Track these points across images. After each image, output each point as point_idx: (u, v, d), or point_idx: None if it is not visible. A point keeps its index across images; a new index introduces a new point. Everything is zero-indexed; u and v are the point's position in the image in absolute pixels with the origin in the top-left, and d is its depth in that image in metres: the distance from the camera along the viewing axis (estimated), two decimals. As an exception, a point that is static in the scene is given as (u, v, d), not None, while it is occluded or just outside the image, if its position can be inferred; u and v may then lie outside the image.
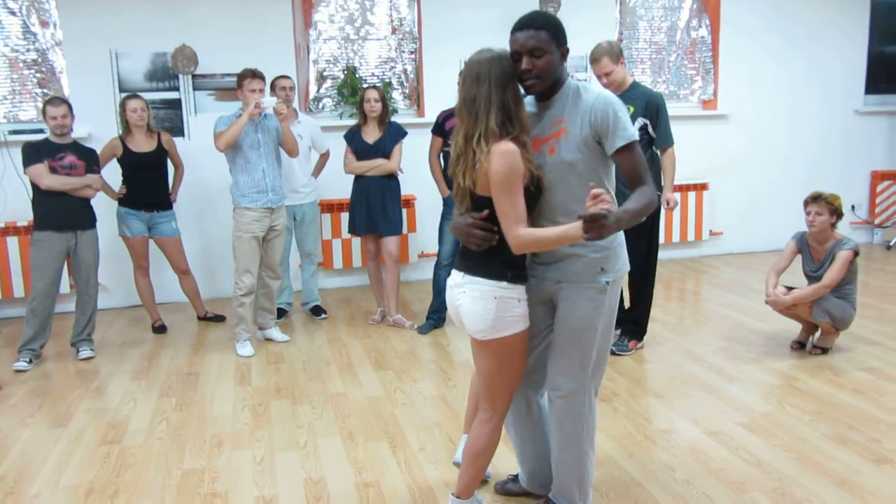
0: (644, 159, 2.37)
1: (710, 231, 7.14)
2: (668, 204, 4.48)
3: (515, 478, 2.94)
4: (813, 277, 4.38)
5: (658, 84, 7.03)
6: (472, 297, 2.39)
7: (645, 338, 4.67)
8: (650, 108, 4.29)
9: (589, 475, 2.62)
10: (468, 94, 2.30)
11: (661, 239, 6.92)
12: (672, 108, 6.95)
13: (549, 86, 2.37)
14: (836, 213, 4.26)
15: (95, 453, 3.42)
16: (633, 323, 4.59)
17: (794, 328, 4.64)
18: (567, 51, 2.38)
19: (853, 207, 7.50)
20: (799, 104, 7.22)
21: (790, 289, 4.36)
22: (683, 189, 6.91)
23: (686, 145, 6.95)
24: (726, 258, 7.09)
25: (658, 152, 4.41)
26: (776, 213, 7.21)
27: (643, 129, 4.32)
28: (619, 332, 4.60)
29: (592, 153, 2.36)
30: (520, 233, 2.27)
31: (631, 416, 3.62)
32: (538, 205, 2.39)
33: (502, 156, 2.24)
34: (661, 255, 7.00)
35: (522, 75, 2.32)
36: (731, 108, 7.07)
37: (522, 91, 2.36)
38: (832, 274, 4.20)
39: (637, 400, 3.82)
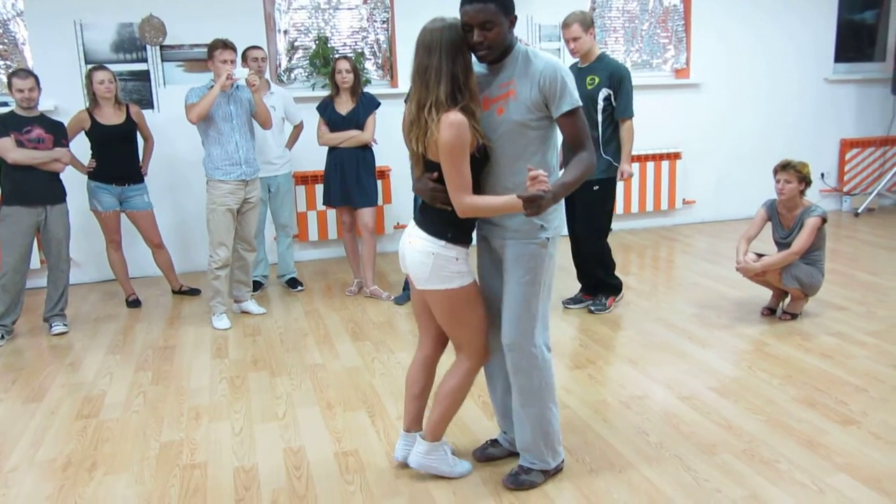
0: (587, 127, 2.53)
1: (683, 200, 7.21)
2: (622, 175, 4.53)
3: (495, 441, 2.99)
4: (782, 244, 4.45)
5: (631, 53, 7.04)
6: (414, 248, 2.57)
7: (621, 295, 4.84)
8: (614, 79, 4.41)
9: (554, 431, 2.73)
10: (420, 64, 2.40)
11: (635, 208, 6.99)
12: (645, 78, 7.02)
13: (500, 53, 2.47)
14: (805, 180, 4.33)
15: (72, 427, 3.41)
16: (603, 285, 4.73)
17: (765, 295, 4.73)
18: (515, 18, 2.47)
19: (822, 175, 7.61)
20: (771, 73, 7.28)
21: (760, 256, 4.44)
22: (657, 158, 6.97)
23: (659, 114, 7.01)
24: (699, 226, 7.17)
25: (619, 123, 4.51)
26: (748, 181, 7.31)
27: (607, 99, 4.44)
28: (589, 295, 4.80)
29: (539, 116, 2.48)
30: (464, 200, 2.42)
31: (605, 383, 3.68)
32: (488, 164, 2.51)
33: (450, 126, 2.34)
34: (635, 223, 7.10)
35: (474, 47, 2.42)
36: (703, 76, 7.11)
37: (474, 58, 2.48)
38: (801, 241, 4.27)
39: (611, 366, 3.88)
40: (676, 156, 7.05)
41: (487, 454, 2.97)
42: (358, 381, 3.80)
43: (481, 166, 2.50)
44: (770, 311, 4.58)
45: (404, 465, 2.91)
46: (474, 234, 2.65)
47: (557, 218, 2.62)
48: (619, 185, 6.76)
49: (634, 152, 6.80)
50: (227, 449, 3.15)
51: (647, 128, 6.87)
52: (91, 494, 2.84)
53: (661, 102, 7.00)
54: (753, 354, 3.98)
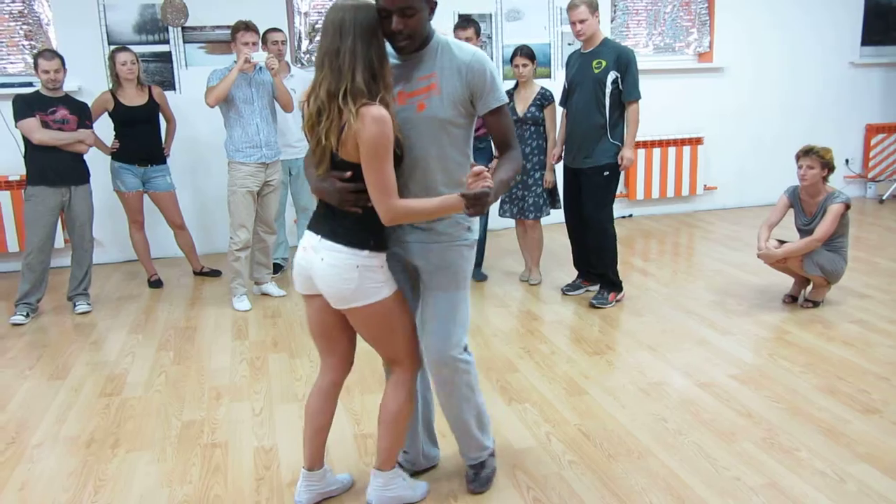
0: (512, 123, 2.40)
1: (705, 185, 7.15)
2: (621, 161, 4.45)
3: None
4: (804, 231, 4.41)
5: (653, 36, 6.96)
6: (330, 265, 2.24)
7: (626, 289, 4.77)
8: (621, 61, 4.37)
9: (484, 415, 2.64)
10: (331, 46, 2.12)
11: (656, 193, 6.95)
12: (667, 62, 6.95)
13: (419, 43, 2.25)
14: (828, 166, 4.27)
15: (95, 405, 3.46)
16: (601, 277, 4.66)
17: (786, 282, 4.69)
18: (435, 4, 2.24)
19: (847, 161, 7.51)
20: (795, 56, 7.17)
21: (782, 242, 4.40)
22: (678, 143, 6.91)
23: (681, 99, 6.94)
24: (720, 213, 7.11)
25: (625, 107, 4.45)
26: (770, 167, 7.22)
27: (615, 82, 4.39)
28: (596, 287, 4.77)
29: (464, 112, 2.30)
30: (393, 204, 2.18)
31: (624, 369, 3.67)
32: (402, 165, 2.28)
33: (375, 122, 2.09)
34: (656, 209, 7.06)
35: (392, 36, 2.18)
36: (726, 60, 7.02)
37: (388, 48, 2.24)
38: (823, 227, 4.22)
39: (630, 353, 3.87)
40: (698, 141, 6.98)
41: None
42: (375, 364, 3.82)
43: (399, 163, 2.25)
44: (792, 299, 4.55)
45: None
46: None
47: (478, 219, 2.43)
48: (640, 170, 6.80)
49: (656, 137, 6.78)
50: (247, 429, 3.19)
51: (668, 113, 6.82)
52: (114, 471, 2.88)
53: (684, 87, 6.92)
54: (774, 342, 3.95)
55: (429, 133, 2.28)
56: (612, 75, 4.37)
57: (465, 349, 2.48)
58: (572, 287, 4.86)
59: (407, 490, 2.59)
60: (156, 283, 5.31)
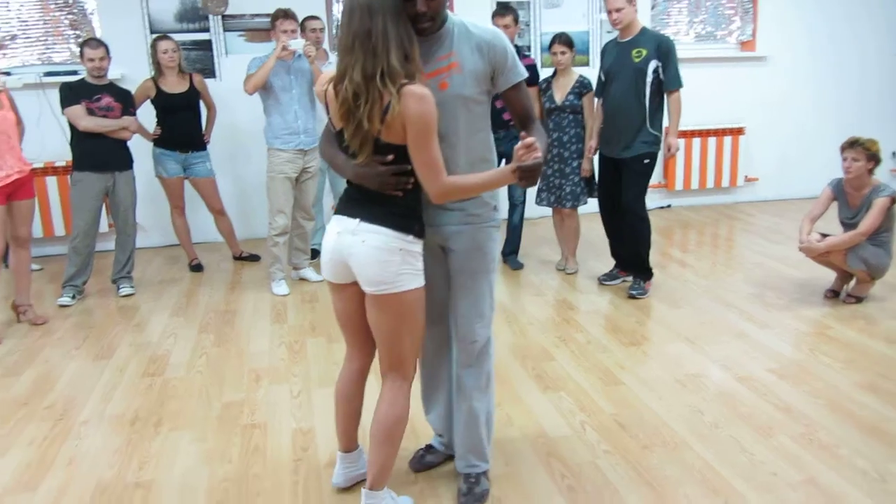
0: (531, 97, 2.42)
1: (746, 177, 7.04)
2: (669, 149, 4.44)
3: (430, 447, 2.82)
4: (848, 225, 4.32)
5: (694, 24, 6.86)
6: (372, 247, 2.20)
7: (664, 280, 4.78)
8: (662, 50, 4.33)
9: (493, 421, 2.63)
10: (361, 27, 2.08)
11: (695, 184, 6.87)
12: (708, 50, 6.84)
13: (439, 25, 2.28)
14: (874, 158, 4.18)
15: (139, 385, 3.55)
16: (635, 266, 4.64)
17: (829, 276, 4.61)
18: None
19: (894, 154, 7.33)
20: (840, 46, 7.01)
21: (825, 236, 4.32)
22: (719, 133, 6.81)
23: (722, 88, 6.83)
24: (761, 205, 7.00)
25: (665, 96, 4.43)
26: (813, 158, 7.08)
27: (655, 71, 4.36)
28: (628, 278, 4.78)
29: (484, 90, 2.33)
30: (444, 181, 2.17)
31: (660, 360, 3.65)
32: None
33: (420, 101, 2.09)
34: (695, 200, 6.98)
35: (417, 18, 2.16)
36: (770, 49, 6.89)
37: None
38: (868, 221, 4.14)
39: (667, 344, 3.85)
40: (739, 131, 6.87)
41: (425, 463, 2.78)
42: (412, 351, 3.85)
43: None
44: (834, 294, 4.47)
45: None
46: None
47: (504, 199, 2.48)
48: (680, 161, 6.72)
49: (696, 127, 6.70)
50: (285, 411, 3.25)
51: (709, 102, 6.72)
52: (157, 448, 2.96)
53: (725, 76, 6.81)
54: (815, 337, 3.89)
55: (452, 111, 2.29)
56: (653, 64, 4.32)
57: (491, 332, 2.51)
58: (609, 277, 4.84)
59: None
60: (197, 267, 5.41)
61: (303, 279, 5.08)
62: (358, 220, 2.24)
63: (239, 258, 5.62)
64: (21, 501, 2.64)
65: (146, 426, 3.15)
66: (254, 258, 5.61)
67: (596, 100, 4.70)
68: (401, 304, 2.25)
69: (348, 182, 2.34)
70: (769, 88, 6.95)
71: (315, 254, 5.52)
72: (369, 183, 2.22)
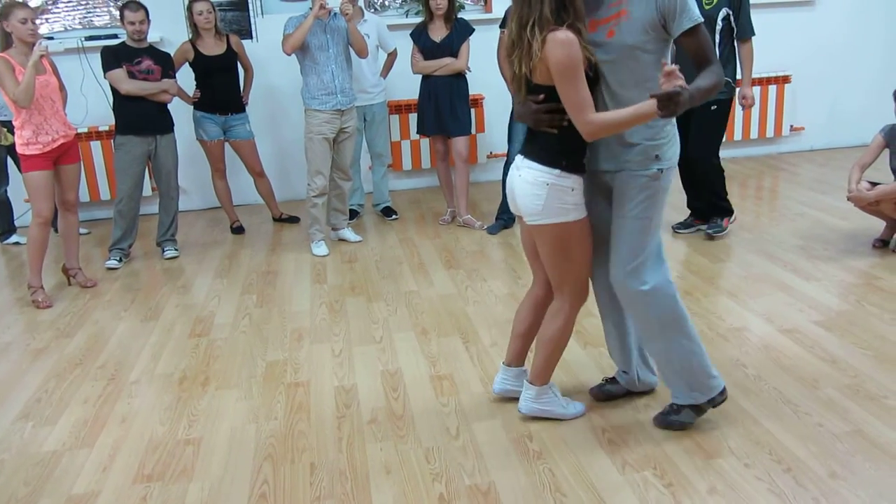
0: (710, 41, 2.39)
1: (791, 126, 6.83)
2: (744, 100, 4.38)
3: (612, 379, 2.92)
4: (901, 173, 4.19)
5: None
6: (525, 180, 2.46)
7: (734, 217, 4.78)
8: None
9: (691, 366, 2.56)
10: None
11: (738, 135, 6.70)
12: (755, -5, 6.58)
13: None
14: (931, 104, 4.02)
15: (185, 345, 3.64)
16: (712, 207, 4.66)
17: (877, 226, 4.48)
18: None
19: (949, 99, 7.04)
20: (895, -13, 6.70)
21: (874, 185, 4.19)
22: (763, 82, 6.59)
23: (768, 35, 6.56)
24: (807, 154, 6.81)
25: (737, 44, 4.39)
26: (864, 106, 6.82)
27: (726, 19, 4.32)
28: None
29: (655, 37, 2.34)
30: (590, 118, 2.30)
31: (703, 315, 3.61)
32: (598, 92, 2.40)
33: (561, 45, 2.25)
34: (737, 152, 6.81)
35: None
36: (819, -7, 6.62)
37: None
38: (922, 169, 4.00)
39: (709, 298, 3.80)
40: (785, 79, 6.64)
41: (605, 391, 2.89)
42: (451, 308, 3.87)
43: (594, 86, 2.36)
44: (882, 244, 4.35)
45: (503, 399, 2.91)
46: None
47: (671, 149, 2.46)
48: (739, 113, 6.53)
49: (739, 76, 6.48)
50: (327, 369, 3.30)
51: (754, 49, 6.49)
52: (205, 406, 3.04)
53: (771, 21, 6.56)
54: (863, 288, 3.81)
55: (619, 60, 2.36)
56: (723, 12, 4.29)
57: (659, 281, 2.49)
58: (683, 225, 4.79)
59: (558, 406, 2.73)
60: (238, 230, 5.49)
61: (342, 240, 5.12)
62: (522, 156, 2.51)
63: (279, 220, 5.68)
64: (79, 457, 2.74)
65: (194, 385, 3.24)
66: (293, 220, 5.66)
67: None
68: (552, 235, 2.48)
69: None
70: (819, 34, 6.69)
71: (353, 214, 5.55)
72: (526, 120, 2.45)
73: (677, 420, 2.66)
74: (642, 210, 2.45)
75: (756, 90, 6.57)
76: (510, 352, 2.85)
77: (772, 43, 6.61)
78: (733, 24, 4.31)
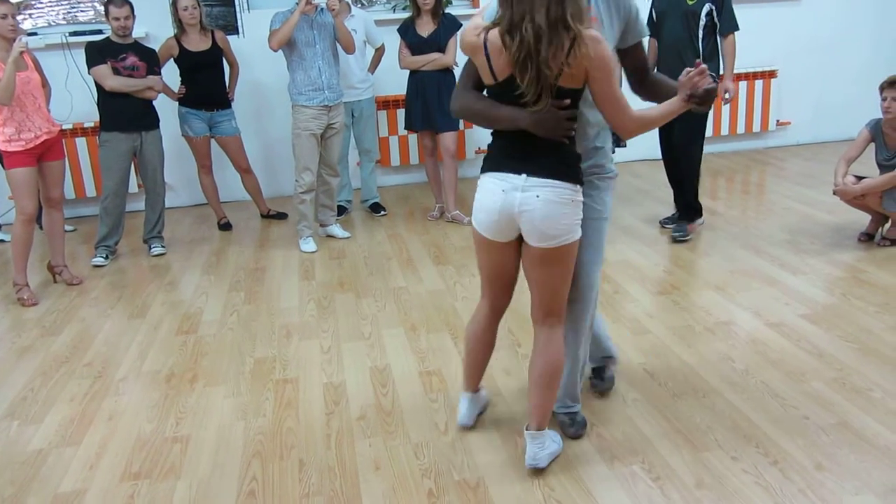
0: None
1: (778, 121, 6.87)
2: (725, 93, 4.40)
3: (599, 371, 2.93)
4: (886, 167, 4.21)
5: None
6: (548, 200, 2.21)
7: (702, 220, 4.75)
8: None
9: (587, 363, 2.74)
10: None
11: (725, 130, 6.72)
12: (741, -10, 6.59)
13: None
14: (915, 98, 4.05)
15: (173, 342, 3.62)
16: (686, 207, 4.65)
17: (863, 220, 4.51)
18: None
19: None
20: (880, -18, 6.74)
21: (860, 178, 4.22)
22: (750, 77, 6.62)
23: (754, 29, 6.59)
24: (794, 149, 6.84)
25: (719, 39, 4.42)
26: (850, 101, 6.85)
27: (709, 15, 4.35)
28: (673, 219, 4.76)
29: (615, 45, 2.39)
30: (634, 116, 2.24)
31: (690, 309, 3.63)
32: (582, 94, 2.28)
33: (600, 42, 2.13)
34: (724, 146, 6.84)
35: None
36: (805, -12, 6.64)
37: None
38: (907, 163, 4.03)
39: (696, 292, 3.82)
40: (772, 74, 6.68)
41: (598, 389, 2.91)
42: (440, 304, 3.87)
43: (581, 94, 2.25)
44: (868, 237, 4.38)
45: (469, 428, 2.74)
46: None
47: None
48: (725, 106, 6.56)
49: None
50: (316, 366, 3.29)
51: (740, 45, 6.49)
52: (193, 403, 3.03)
53: (757, 16, 6.58)
54: (848, 281, 3.83)
55: None
56: (706, 7, 4.32)
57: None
58: (671, 220, 4.80)
59: (554, 445, 2.52)
60: (225, 226, 5.46)
61: (330, 236, 5.10)
62: (524, 175, 2.23)
63: (266, 216, 5.66)
64: (66, 455, 2.73)
65: (181, 382, 3.22)
66: (281, 216, 5.64)
67: (647, 39, 4.60)
68: (570, 253, 2.32)
69: (498, 135, 2.33)
70: (805, 29, 6.72)
71: (341, 210, 5.54)
72: (546, 129, 2.18)
73: (583, 419, 2.67)
74: (609, 210, 2.53)
75: (742, 85, 6.61)
76: (475, 379, 2.67)
77: (758, 38, 6.63)
78: (716, 19, 4.34)
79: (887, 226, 4.35)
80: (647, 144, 5.00)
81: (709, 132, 6.61)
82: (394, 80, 5.73)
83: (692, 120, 4.44)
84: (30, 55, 4.17)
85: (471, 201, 2.45)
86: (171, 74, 5.11)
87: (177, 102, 5.17)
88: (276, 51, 4.61)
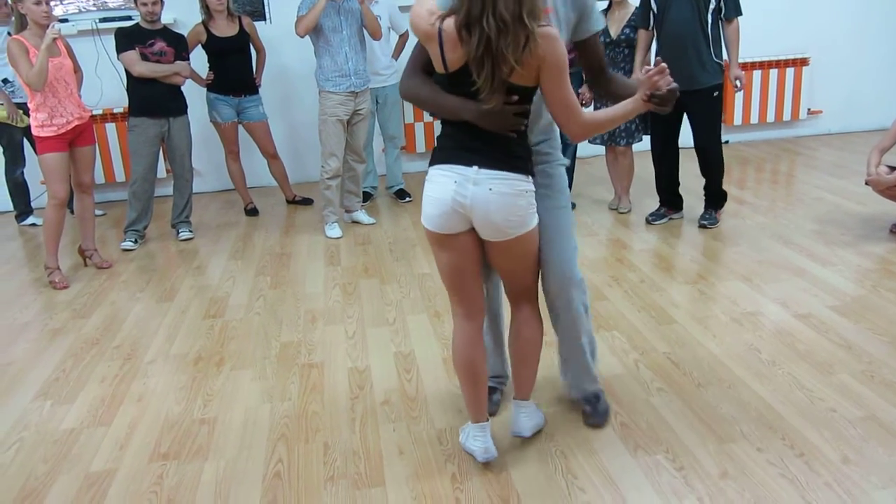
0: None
1: (809, 110, 6.76)
2: (736, 80, 4.34)
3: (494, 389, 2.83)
4: (920, 157, 4.14)
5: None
6: (501, 193, 2.16)
7: (721, 219, 4.70)
8: None
9: (595, 342, 2.70)
10: None
11: (754, 118, 6.64)
12: (773, -24, 6.50)
13: None
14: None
15: (200, 326, 3.67)
16: (713, 195, 4.63)
17: (894, 211, 4.44)
18: None
19: (970, 82, 6.93)
20: (917, -33, 6.59)
21: (894, 168, 4.15)
22: (781, 64, 6.53)
23: (785, 16, 6.52)
24: (825, 138, 6.74)
25: (722, 24, 4.33)
26: (885, 89, 6.74)
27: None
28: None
29: (570, 38, 2.34)
30: (584, 118, 2.17)
31: (717, 299, 3.60)
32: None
33: (555, 41, 2.05)
34: (754, 135, 6.76)
35: None
36: (839, -26, 6.52)
37: None
38: (941, 153, 3.95)
39: (723, 283, 3.79)
40: (803, 62, 6.57)
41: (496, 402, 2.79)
42: (465, 291, 3.87)
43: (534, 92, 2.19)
44: (900, 229, 4.32)
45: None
46: None
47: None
48: (738, 94, 6.48)
49: (756, 58, 6.43)
50: (341, 350, 3.32)
51: (771, 32, 6.43)
52: (220, 387, 3.07)
53: (790, 3, 6.49)
54: (879, 273, 3.78)
55: None
56: None
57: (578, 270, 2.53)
58: (657, 216, 4.75)
59: (538, 417, 2.62)
60: (252, 212, 5.51)
61: (355, 222, 5.13)
62: (476, 167, 2.18)
63: (292, 202, 5.70)
64: (97, 435, 2.78)
65: (209, 365, 3.26)
66: (307, 202, 5.67)
67: (641, 31, 4.53)
68: (529, 242, 2.30)
69: (448, 125, 2.27)
70: (838, 15, 6.60)
71: (367, 196, 5.55)
72: (493, 124, 2.14)
73: (605, 405, 2.68)
74: (566, 200, 2.47)
75: (773, 73, 6.52)
76: (480, 407, 2.43)
77: (790, 25, 6.55)
78: (722, 4, 4.25)
79: (920, 217, 4.28)
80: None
81: (738, 121, 6.59)
82: (420, 67, 5.71)
83: (706, 121, 4.39)
84: (63, 41, 4.23)
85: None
86: (199, 60, 5.15)
87: (205, 88, 5.21)
88: (302, 37, 4.62)
